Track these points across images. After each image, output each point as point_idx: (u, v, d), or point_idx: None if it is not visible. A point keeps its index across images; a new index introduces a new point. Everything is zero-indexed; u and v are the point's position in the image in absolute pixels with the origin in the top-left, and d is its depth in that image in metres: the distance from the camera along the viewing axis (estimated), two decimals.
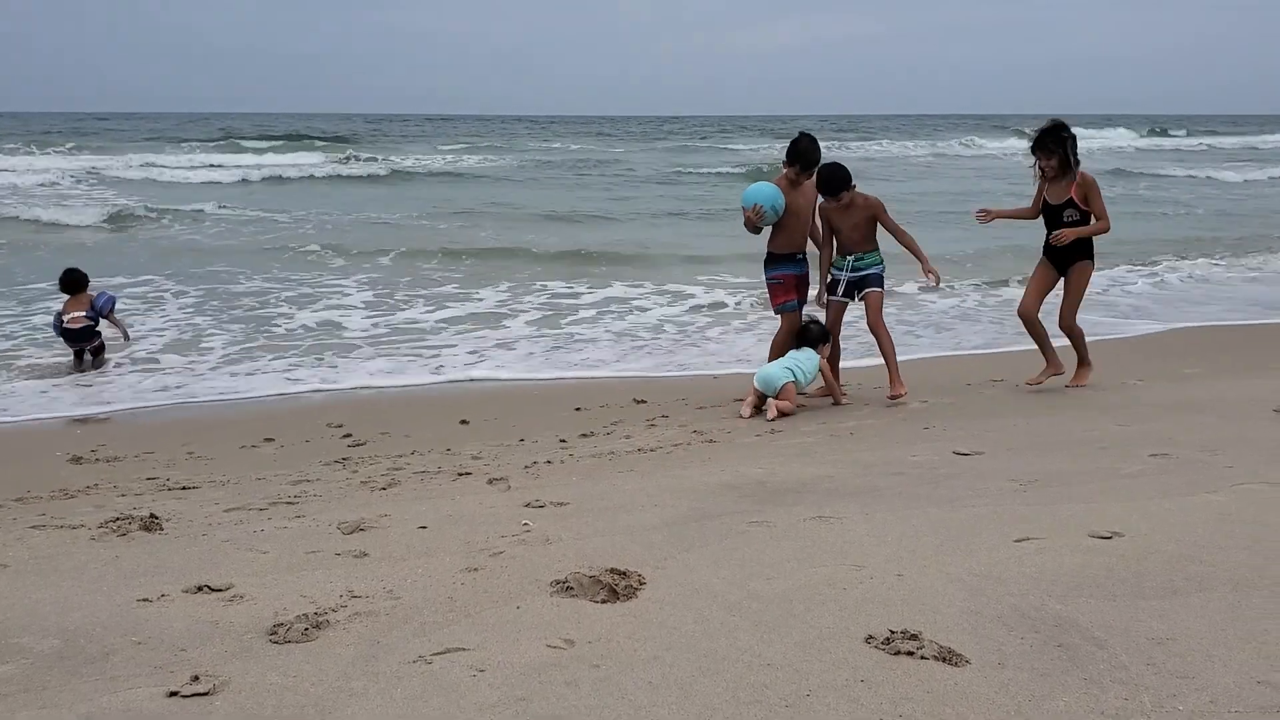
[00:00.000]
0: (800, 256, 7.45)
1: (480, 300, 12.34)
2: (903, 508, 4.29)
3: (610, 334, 10.58)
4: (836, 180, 7.15)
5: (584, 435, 6.54)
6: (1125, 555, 3.54)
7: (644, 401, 7.63)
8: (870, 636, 2.96)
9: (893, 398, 7.05)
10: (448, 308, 11.84)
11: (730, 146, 53.97)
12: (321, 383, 8.61)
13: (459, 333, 10.58)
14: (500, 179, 32.72)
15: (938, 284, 7.40)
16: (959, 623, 3.04)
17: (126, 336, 9.56)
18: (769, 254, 7.45)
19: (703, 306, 11.95)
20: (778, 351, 7.41)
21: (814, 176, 7.22)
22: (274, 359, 9.38)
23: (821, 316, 7.47)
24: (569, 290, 13.05)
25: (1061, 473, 4.75)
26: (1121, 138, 65.60)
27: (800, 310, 7.43)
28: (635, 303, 12.26)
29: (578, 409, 7.47)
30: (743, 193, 7.37)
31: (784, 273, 7.42)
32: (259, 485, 5.55)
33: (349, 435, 6.88)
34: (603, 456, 5.81)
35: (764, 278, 7.56)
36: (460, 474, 5.51)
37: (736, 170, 35.94)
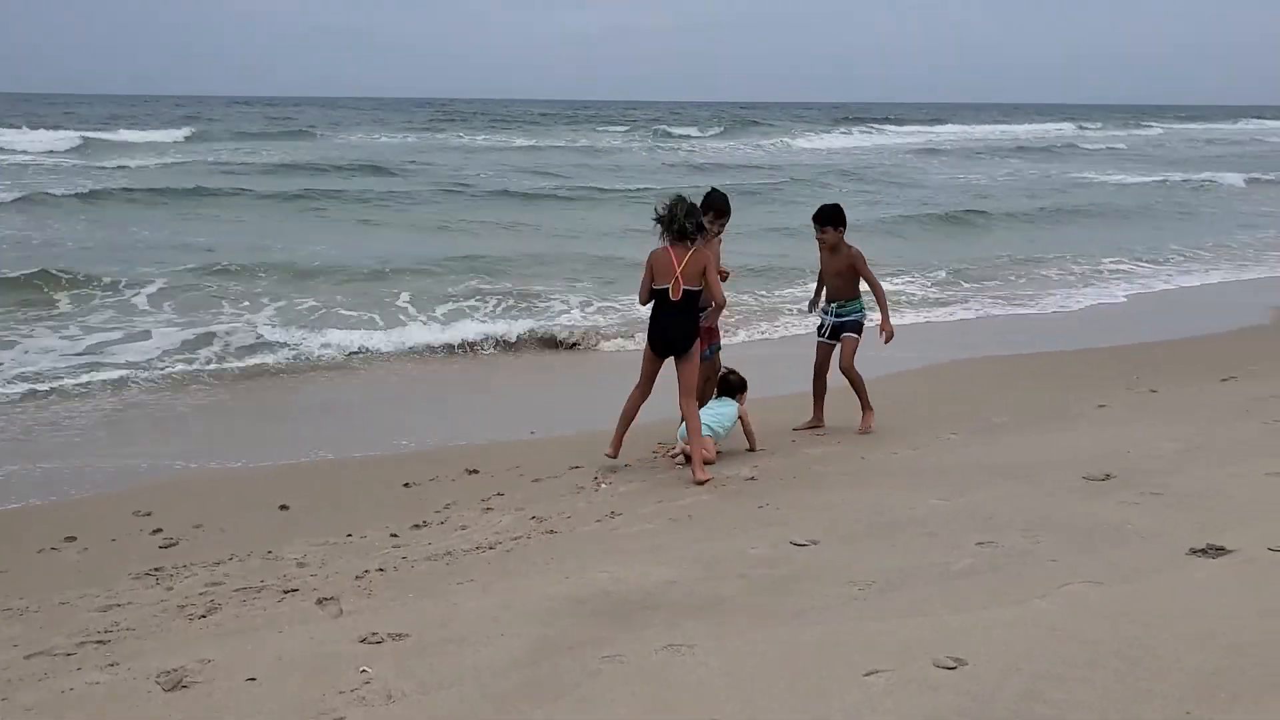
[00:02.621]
0: (705, 307, 7.48)
1: None
2: (751, 627, 4.29)
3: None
4: (823, 213, 8.02)
5: (416, 526, 6.31)
6: (972, 693, 3.63)
7: (476, 472, 7.44)
8: None
9: (861, 429, 8.01)
10: None
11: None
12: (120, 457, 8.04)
13: None
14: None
15: (887, 341, 8.02)
16: None
17: None
18: None
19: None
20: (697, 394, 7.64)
21: (723, 227, 7.68)
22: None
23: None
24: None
25: (894, 573, 4.85)
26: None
27: (715, 357, 7.80)
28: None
29: (406, 485, 7.21)
30: None
31: (710, 323, 7.70)
32: (63, 613, 5.10)
33: (159, 530, 6.44)
34: (439, 559, 5.61)
35: None
36: (286, 591, 5.21)
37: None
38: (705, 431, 7.21)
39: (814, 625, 4.29)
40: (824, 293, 8.27)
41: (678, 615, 4.49)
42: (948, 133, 69.17)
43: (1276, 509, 5.50)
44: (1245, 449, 6.68)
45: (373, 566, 5.54)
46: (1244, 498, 5.70)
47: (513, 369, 11.05)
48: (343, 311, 13.24)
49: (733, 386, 7.74)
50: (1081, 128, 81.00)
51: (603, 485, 6.91)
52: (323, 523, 6.49)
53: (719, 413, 7.54)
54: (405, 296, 13.96)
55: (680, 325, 7.11)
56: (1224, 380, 9.20)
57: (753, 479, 6.81)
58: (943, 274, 16.46)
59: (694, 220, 6.99)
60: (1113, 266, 17.58)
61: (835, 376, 8.25)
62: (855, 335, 8.09)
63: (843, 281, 8.06)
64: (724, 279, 7.66)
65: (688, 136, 58.56)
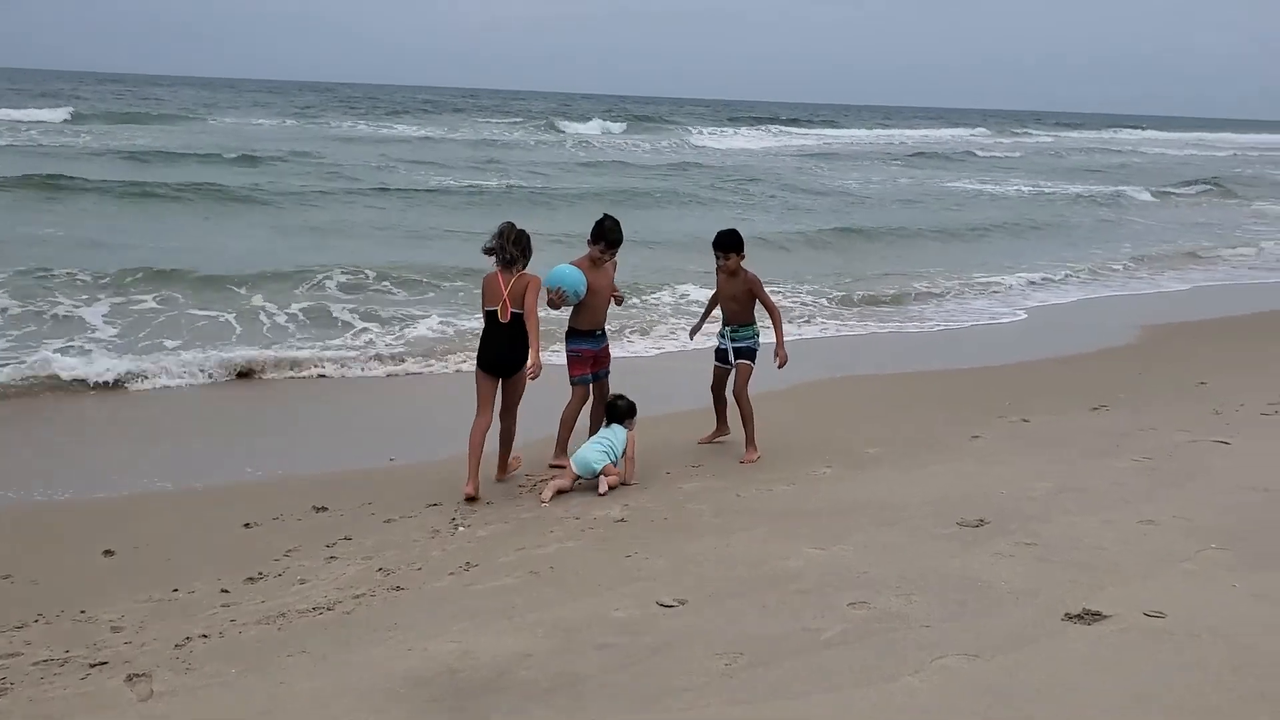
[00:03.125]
0: (599, 333, 7.88)
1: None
2: (607, 716, 3.94)
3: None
4: (723, 238, 7.94)
5: (251, 579, 5.78)
6: None
7: (324, 509, 6.92)
8: None
9: (745, 461, 7.84)
10: None
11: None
12: None
13: None
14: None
15: (781, 366, 8.01)
16: None
17: None
18: (570, 328, 7.86)
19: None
20: (567, 425, 7.80)
21: (615, 255, 7.75)
22: None
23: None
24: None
25: (764, 642, 4.55)
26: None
27: (590, 385, 7.83)
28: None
29: (247, 525, 6.66)
30: (548, 274, 7.53)
31: (583, 347, 7.81)
32: None
33: None
34: (272, 622, 5.10)
35: (564, 349, 7.93)
36: (94, 665, 4.66)
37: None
38: (604, 460, 7.19)
39: (677, 713, 3.96)
40: (713, 315, 8.31)
41: (528, 699, 4.11)
42: (843, 136, 70.06)
43: (1149, 564, 5.39)
44: (1117, 492, 6.60)
45: (196, 631, 5.01)
46: (1117, 550, 5.58)
47: (376, 385, 10.47)
48: (194, 312, 12.45)
49: (621, 412, 7.61)
50: (975, 134, 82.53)
51: (460, 528, 6.47)
52: (149, 573, 5.90)
53: (611, 441, 7.39)
54: (258, 298, 13.21)
55: (509, 346, 7.31)
56: (1095, 409, 9.22)
57: (622, 521, 6.46)
58: (822, 287, 16.37)
59: (519, 247, 7.30)
60: (991, 280, 17.74)
61: None
62: (750, 363, 8.07)
63: (739, 306, 8.06)
64: (618, 303, 8.10)
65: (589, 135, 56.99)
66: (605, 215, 7.84)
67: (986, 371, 11.45)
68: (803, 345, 12.79)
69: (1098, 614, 4.74)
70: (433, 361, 11.12)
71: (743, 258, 7.98)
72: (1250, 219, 30.21)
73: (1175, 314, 15.14)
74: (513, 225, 7.41)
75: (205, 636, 4.94)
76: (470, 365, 8.23)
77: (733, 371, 8.11)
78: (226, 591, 5.60)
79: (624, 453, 7.42)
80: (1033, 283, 17.76)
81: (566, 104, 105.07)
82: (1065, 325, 14.45)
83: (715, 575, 5.42)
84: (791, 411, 9.55)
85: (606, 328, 8.06)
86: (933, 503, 6.51)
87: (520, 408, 7.55)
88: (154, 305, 12.70)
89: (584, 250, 7.85)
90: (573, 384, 7.87)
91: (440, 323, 12.48)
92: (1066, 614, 4.76)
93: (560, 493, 7.11)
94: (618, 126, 64.25)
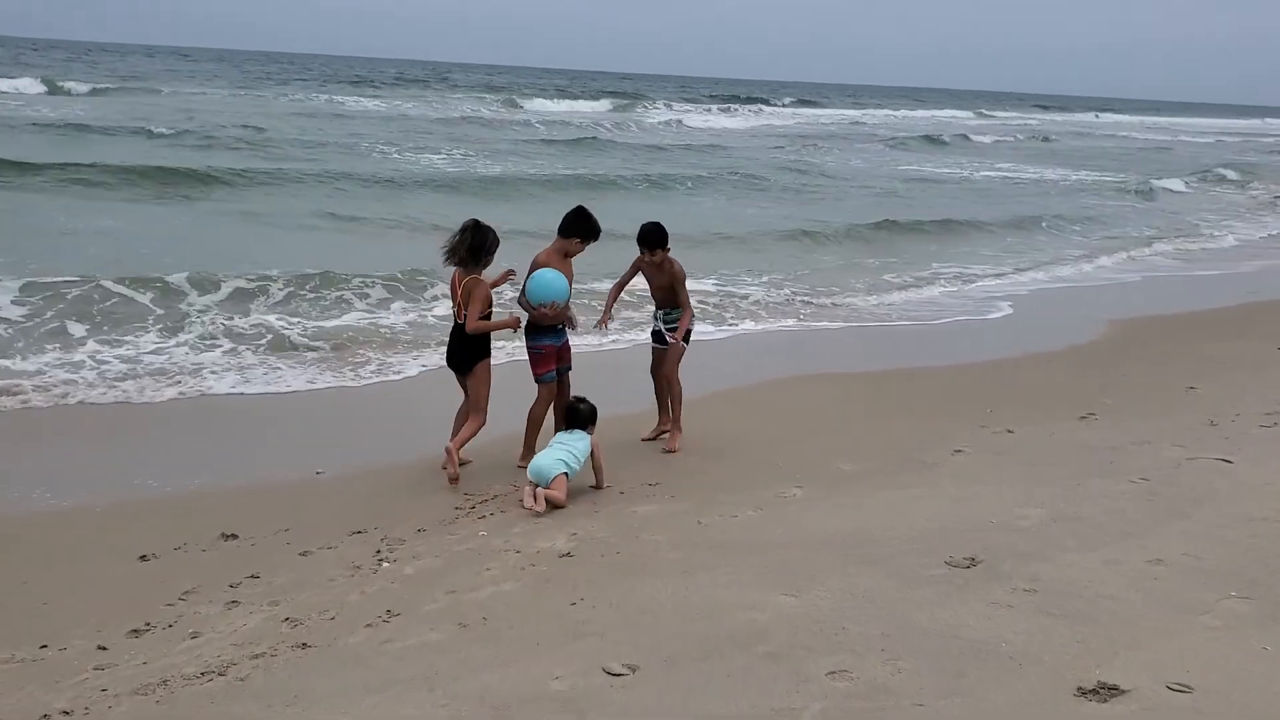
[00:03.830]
0: (560, 327, 7.58)
1: None
2: None
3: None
4: (654, 237, 7.81)
5: (135, 632, 4.99)
6: None
7: (234, 537, 6.15)
8: None
9: (669, 451, 7.79)
10: None
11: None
12: None
13: None
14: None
15: (675, 343, 7.99)
16: None
17: None
18: (529, 323, 7.49)
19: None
20: (535, 424, 7.54)
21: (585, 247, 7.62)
22: None
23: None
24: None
25: None
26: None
27: (558, 381, 7.59)
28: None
29: (143, 558, 5.87)
30: (528, 288, 7.32)
31: (546, 343, 7.50)
32: None
33: None
34: (149, 693, 4.33)
35: (525, 345, 7.64)
36: None
37: None
38: (560, 469, 6.66)
39: None
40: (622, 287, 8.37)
41: None
42: (824, 116, 69.30)
43: (1165, 617, 4.75)
44: (1117, 523, 5.97)
45: (58, 706, 4.23)
46: (1126, 599, 4.93)
47: (305, 385, 9.64)
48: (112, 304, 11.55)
49: (583, 416, 7.11)
50: (982, 114, 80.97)
51: (384, 563, 5.71)
52: (20, 622, 5.11)
53: (571, 447, 6.85)
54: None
55: (458, 344, 7.30)
56: (1082, 418, 8.60)
57: (568, 555, 5.72)
58: (788, 278, 15.68)
59: (468, 248, 7.14)
60: (962, 271, 17.17)
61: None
62: (684, 345, 8.04)
63: (665, 294, 8.09)
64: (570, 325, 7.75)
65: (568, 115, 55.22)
66: (579, 207, 7.67)
67: (964, 370, 10.80)
68: (769, 339, 12.17)
69: (1114, 688, 4.08)
70: (369, 358, 10.32)
71: (668, 251, 7.93)
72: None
73: (1134, 307, 14.56)
74: (474, 224, 7.23)
75: (67, 714, 4.16)
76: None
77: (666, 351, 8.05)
78: (104, 649, 4.80)
79: (590, 462, 6.93)
80: (1001, 274, 17.18)
81: (541, 78, 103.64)
82: (1030, 320, 13.85)
83: (672, 631, 4.71)
84: (757, 415, 8.88)
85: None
86: (916, 535, 5.84)
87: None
88: None
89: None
90: (539, 382, 7.56)
91: (365, 320, 11.68)
92: (1079, 688, 4.10)
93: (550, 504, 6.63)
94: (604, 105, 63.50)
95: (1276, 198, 32.46)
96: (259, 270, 12.98)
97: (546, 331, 7.52)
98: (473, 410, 7.31)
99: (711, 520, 6.23)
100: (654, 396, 8.25)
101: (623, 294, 8.52)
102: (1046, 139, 58.57)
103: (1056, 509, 6.23)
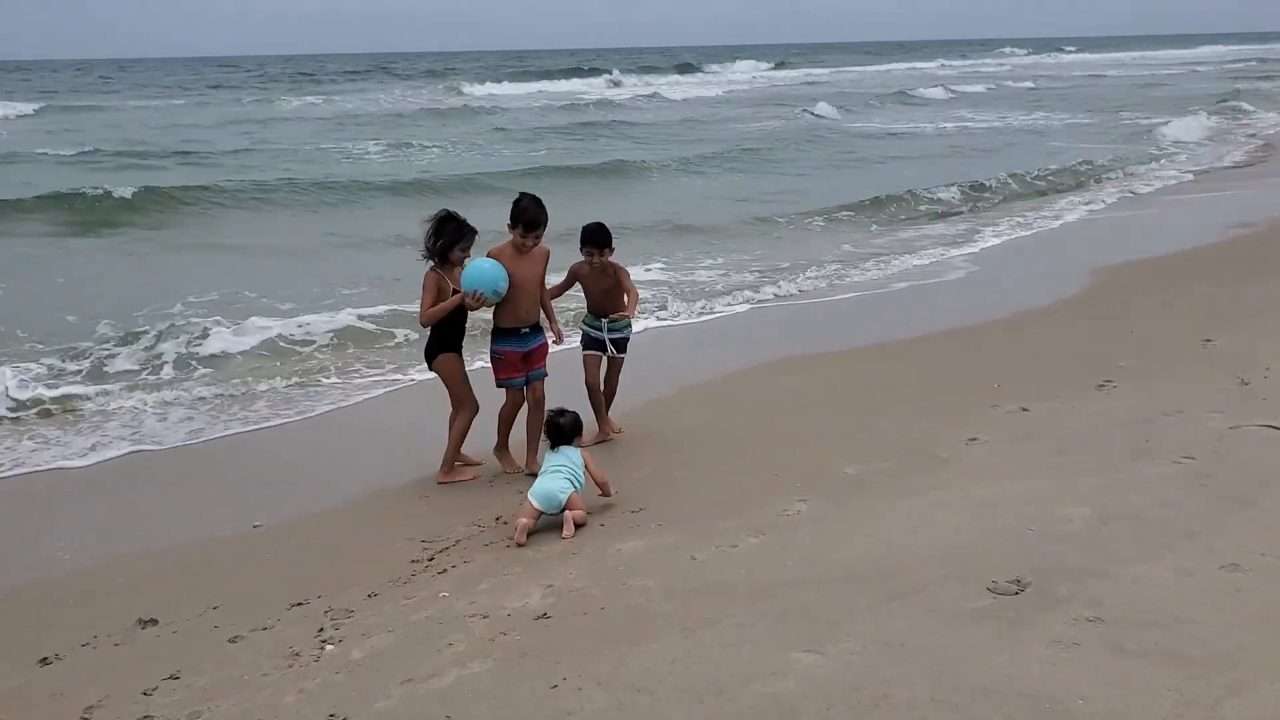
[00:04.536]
0: (525, 331, 6.99)
1: None
2: None
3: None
4: (603, 236, 7.24)
5: None
6: None
7: (153, 623, 5.24)
8: None
9: (613, 434, 7.58)
10: None
11: None
12: None
13: None
14: None
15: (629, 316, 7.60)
16: None
17: None
18: (494, 327, 7.03)
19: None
20: (506, 422, 7.07)
21: (540, 239, 6.91)
22: None
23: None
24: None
25: None
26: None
27: (530, 387, 7.03)
28: None
29: (44, 661, 4.94)
30: (464, 273, 6.73)
31: (506, 349, 6.97)
32: None
33: None
34: None
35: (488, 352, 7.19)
36: None
37: None
38: (569, 489, 6.04)
39: None
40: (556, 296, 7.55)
41: None
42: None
43: (1265, 646, 3.96)
44: (1174, 518, 5.18)
45: None
46: (1213, 625, 4.14)
47: (240, 427, 8.69)
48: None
49: (566, 432, 6.37)
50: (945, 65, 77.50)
51: (328, 645, 4.82)
52: None
53: (571, 463, 6.22)
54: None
55: (428, 342, 7.05)
56: (1100, 387, 7.80)
57: (545, 617, 4.85)
58: (741, 256, 14.83)
59: (427, 241, 6.86)
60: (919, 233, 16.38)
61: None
62: (623, 355, 7.60)
63: (610, 299, 7.45)
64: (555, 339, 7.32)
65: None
66: (521, 194, 7.00)
67: (949, 338, 9.98)
68: (722, 324, 11.34)
69: None
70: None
71: (612, 251, 7.38)
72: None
73: (1114, 252, 13.78)
74: (438, 215, 6.93)
75: None
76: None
77: (604, 360, 7.56)
78: None
79: (589, 476, 6.26)
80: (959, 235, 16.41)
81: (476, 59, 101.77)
82: (1003, 277, 13.08)
83: (677, 714, 3.86)
84: (736, 412, 8.03)
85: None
86: (948, 554, 5.02)
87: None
88: None
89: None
90: (504, 387, 7.08)
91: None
92: None
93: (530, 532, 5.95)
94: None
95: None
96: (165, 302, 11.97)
97: (507, 335, 6.96)
98: (454, 408, 7.03)
99: (708, 554, 5.37)
100: (591, 406, 7.53)
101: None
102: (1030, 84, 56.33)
103: (1101, 506, 5.43)
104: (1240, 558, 4.68)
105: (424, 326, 7.01)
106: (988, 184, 20.67)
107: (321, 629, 5.00)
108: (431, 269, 6.82)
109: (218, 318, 10.96)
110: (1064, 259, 13.85)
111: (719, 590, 4.92)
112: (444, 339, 6.91)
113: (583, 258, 7.36)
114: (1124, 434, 6.59)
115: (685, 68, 77.72)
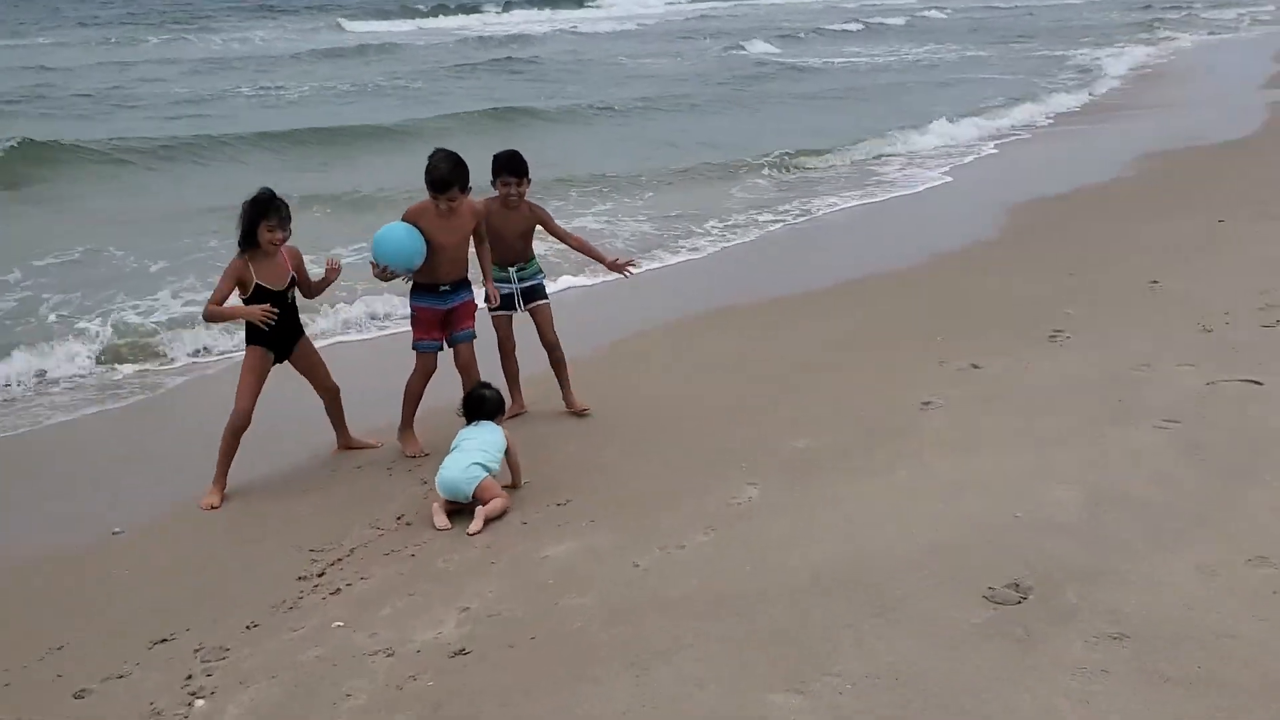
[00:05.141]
0: (445, 287, 6.08)
1: None
2: None
3: None
4: (521, 164, 6.34)
5: None
6: None
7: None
8: None
9: (580, 412, 6.57)
10: None
11: None
12: None
13: None
14: None
15: (627, 275, 6.98)
16: None
17: None
18: (413, 283, 6.14)
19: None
20: (413, 401, 6.18)
21: (467, 198, 5.96)
22: None
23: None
24: None
25: None
26: None
27: (457, 352, 6.15)
28: None
29: None
30: (373, 240, 5.97)
31: (423, 305, 6.11)
32: None
33: None
34: None
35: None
36: None
37: None
38: (479, 475, 5.27)
39: None
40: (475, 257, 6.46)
41: None
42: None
43: None
44: (1175, 499, 4.62)
45: None
46: (1256, 639, 3.55)
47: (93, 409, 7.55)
48: None
49: (492, 406, 5.70)
50: None
51: (198, 700, 3.93)
52: None
53: (484, 444, 5.45)
54: None
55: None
56: (1052, 338, 7.23)
57: (463, 653, 4.02)
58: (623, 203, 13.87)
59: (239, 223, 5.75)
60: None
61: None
62: (547, 300, 6.72)
63: (524, 243, 6.59)
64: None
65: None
66: (435, 150, 6.01)
67: (866, 287, 9.28)
68: (639, 279, 10.47)
69: None
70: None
71: (529, 183, 6.46)
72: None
73: (1022, 188, 13.27)
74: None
75: None
76: None
77: (515, 316, 6.60)
78: None
79: (507, 459, 5.52)
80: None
81: None
82: (915, 213, 12.51)
83: None
84: (660, 378, 7.21)
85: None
86: (928, 552, 4.35)
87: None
88: None
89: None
90: (414, 349, 6.17)
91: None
92: None
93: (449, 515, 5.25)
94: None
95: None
96: None
97: (424, 291, 6.12)
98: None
99: (652, 559, 4.61)
100: (504, 376, 6.64)
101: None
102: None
103: (1090, 486, 4.82)
104: (1266, 548, 4.12)
105: (206, 322, 6.16)
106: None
107: (190, 675, 4.09)
108: (238, 254, 5.71)
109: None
110: (975, 194, 13.31)
111: (670, 608, 4.17)
112: (252, 326, 5.76)
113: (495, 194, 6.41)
114: (1094, 394, 6.01)
115: None
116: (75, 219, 12.85)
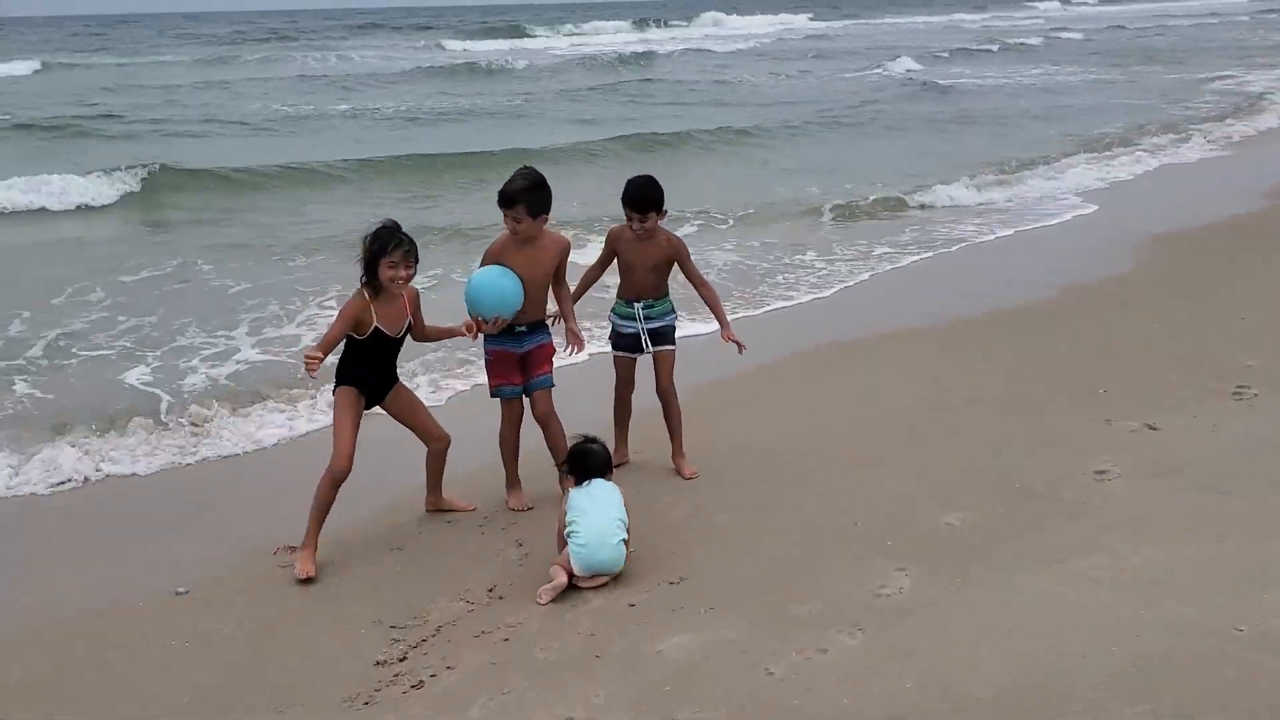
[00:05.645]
0: (521, 329, 5.47)
1: None
2: None
3: None
4: (652, 193, 5.61)
5: None
6: None
7: None
8: None
9: (689, 475, 5.81)
10: None
11: None
12: None
13: None
14: None
15: (740, 351, 5.92)
16: None
17: None
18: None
19: None
20: (510, 451, 5.63)
21: (546, 221, 5.39)
22: None
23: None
24: None
25: None
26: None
27: (534, 400, 5.55)
28: None
29: None
30: (466, 294, 5.33)
31: (498, 349, 5.51)
32: None
33: None
34: None
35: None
36: None
37: None
38: (620, 536, 4.69)
39: None
40: (585, 287, 6.08)
41: None
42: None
43: None
44: None
45: None
46: None
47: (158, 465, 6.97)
48: None
49: (600, 463, 4.99)
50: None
51: None
52: None
53: (613, 507, 4.79)
54: None
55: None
56: (1235, 395, 6.32)
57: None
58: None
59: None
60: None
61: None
62: (673, 348, 5.97)
63: (658, 277, 5.91)
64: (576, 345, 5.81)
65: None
66: (523, 168, 5.47)
67: (1018, 322, 8.42)
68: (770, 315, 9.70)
69: None
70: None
71: (665, 215, 5.77)
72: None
73: (1171, 218, 12.18)
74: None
75: None
76: None
77: (638, 361, 5.96)
78: None
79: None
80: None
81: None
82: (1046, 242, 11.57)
83: None
84: (776, 431, 6.39)
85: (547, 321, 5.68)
86: (1131, 674, 3.54)
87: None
88: None
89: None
90: (494, 396, 5.61)
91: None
92: None
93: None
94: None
95: None
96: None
97: (501, 332, 5.45)
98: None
99: (788, 665, 3.86)
100: (613, 419, 6.07)
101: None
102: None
103: None
104: None
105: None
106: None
107: None
108: (357, 292, 5.08)
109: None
110: (1121, 218, 12.30)
111: None
112: (348, 367, 5.18)
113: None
114: None
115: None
116: (207, 248, 12.25)
